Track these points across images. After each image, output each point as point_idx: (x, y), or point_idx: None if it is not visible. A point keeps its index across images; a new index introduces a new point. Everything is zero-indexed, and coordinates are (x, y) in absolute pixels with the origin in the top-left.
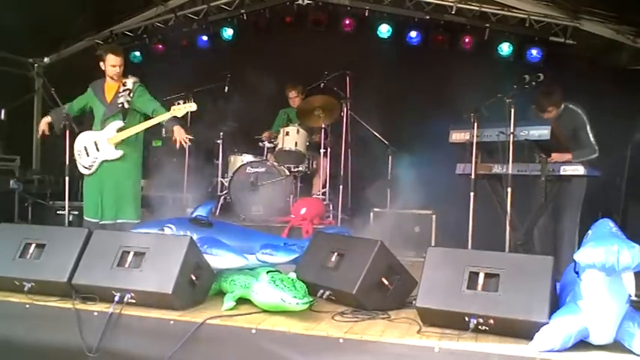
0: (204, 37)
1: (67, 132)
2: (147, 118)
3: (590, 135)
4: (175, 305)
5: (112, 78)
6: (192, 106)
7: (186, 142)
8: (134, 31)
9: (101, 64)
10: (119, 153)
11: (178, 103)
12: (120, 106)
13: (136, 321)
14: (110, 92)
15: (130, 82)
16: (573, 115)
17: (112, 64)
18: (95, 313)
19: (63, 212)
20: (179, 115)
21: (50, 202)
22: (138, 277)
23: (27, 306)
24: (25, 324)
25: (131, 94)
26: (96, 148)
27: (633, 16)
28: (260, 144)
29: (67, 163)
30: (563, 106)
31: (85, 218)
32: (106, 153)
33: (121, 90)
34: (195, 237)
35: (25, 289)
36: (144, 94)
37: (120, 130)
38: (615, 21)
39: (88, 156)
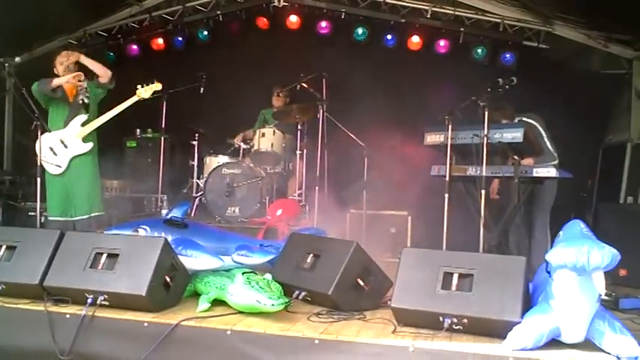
0: (180, 38)
1: (39, 132)
2: (101, 113)
3: (548, 143)
4: (149, 307)
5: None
6: (157, 86)
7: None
8: (108, 31)
9: (57, 65)
10: (89, 145)
11: (142, 86)
12: (81, 102)
13: (110, 323)
14: (70, 92)
15: (85, 81)
16: (529, 126)
17: (59, 61)
18: (67, 316)
19: (35, 213)
20: (146, 97)
21: (22, 204)
22: (111, 278)
23: None
24: None
25: (87, 91)
26: (64, 145)
27: (603, 21)
28: (236, 145)
29: (39, 163)
30: (517, 119)
31: (51, 218)
32: (76, 148)
33: (79, 89)
34: (169, 238)
35: None
36: (95, 88)
37: (84, 124)
38: (586, 26)
39: (56, 155)
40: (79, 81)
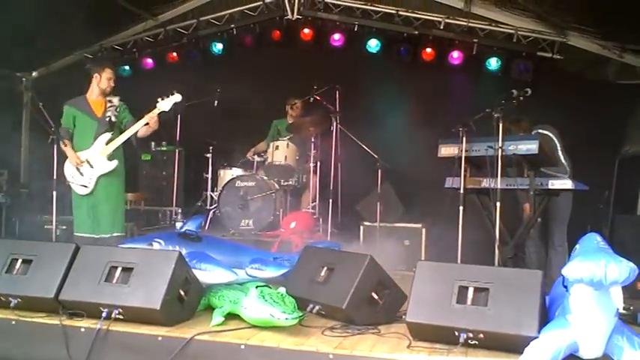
0: (194, 52)
1: (56, 145)
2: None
3: (561, 155)
4: (163, 321)
5: (103, 92)
6: (177, 97)
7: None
8: (123, 45)
9: (96, 76)
10: (114, 164)
11: (162, 99)
12: (107, 120)
13: (124, 337)
14: (99, 108)
15: (115, 99)
16: (545, 138)
17: (108, 77)
18: (82, 330)
19: (50, 227)
20: (167, 109)
21: (38, 217)
22: (126, 292)
23: (13, 322)
24: (11, 340)
25: (117, 110)
26: (89, 165)
27: (618, 32)
28: (250, 158)
29: (55, 177)
30: (533, 132)
31: (77, 234)
32: (101, 167)
33: (108, 106)
34: (184, 252)
35: (12, 305)
36: (125, 111)
37: (109, 142)
38: (601, 36)
39: (82, 175)
40: (110, 100)
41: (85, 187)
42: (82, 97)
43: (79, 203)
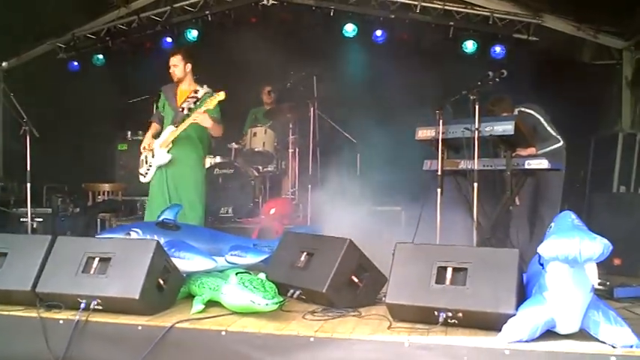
0: (169, 39)
1: (28, 137)
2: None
3: (548, 127)
4: (143, 310)
5: (178, 80)
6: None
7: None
8: (97, 34)
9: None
10: (168, 157)
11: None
12: (182, 110)
13: (103, 328)
14: (181, 97)
15: (202, 90)
16: (527, 116)
17: (172, 63)
18: (61, 322)
19: (26, 219)
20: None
21: (13, 210)
22: (104, 283)
23: None
24: None
25: (197, 102)
26: (152, 154)
27: (592, 13)
28: (228, 145)
29: (29, 169)
30: (516, 111)
31: None
32: (159, 158)
33: (190, 95)
34: (162, 241)
35: None
36: (206, 102)
37: (172, 134)
38: (575, 18)
39: (145, 164)
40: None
41: (143, 175)
42: (173, 84)
43: (152, 194)
